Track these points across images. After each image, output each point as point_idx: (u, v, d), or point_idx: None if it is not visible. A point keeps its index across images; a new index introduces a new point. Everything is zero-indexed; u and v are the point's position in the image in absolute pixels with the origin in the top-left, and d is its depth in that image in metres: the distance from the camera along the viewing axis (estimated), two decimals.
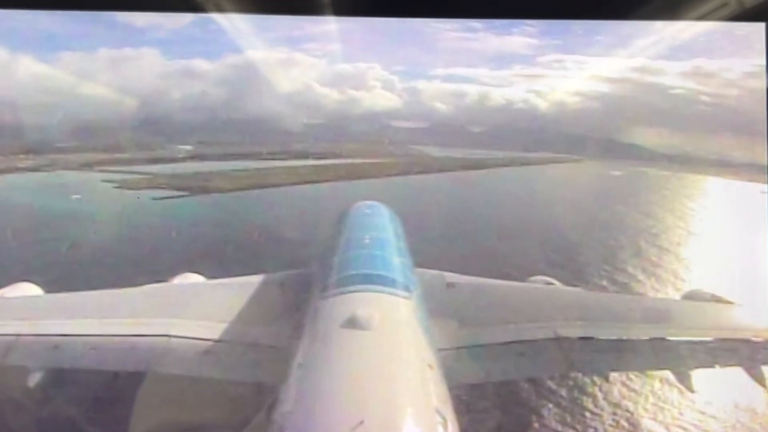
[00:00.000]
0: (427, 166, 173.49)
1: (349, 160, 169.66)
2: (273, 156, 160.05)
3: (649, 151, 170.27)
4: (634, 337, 16.75)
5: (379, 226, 22.96)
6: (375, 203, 26.84)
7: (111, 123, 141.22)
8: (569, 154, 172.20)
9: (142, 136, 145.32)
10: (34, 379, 15.40)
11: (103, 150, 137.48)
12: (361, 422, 9.18)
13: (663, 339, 16.64)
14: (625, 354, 16.57)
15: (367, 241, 20.50)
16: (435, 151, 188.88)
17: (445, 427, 10.04)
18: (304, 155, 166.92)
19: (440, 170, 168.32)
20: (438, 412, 10.27)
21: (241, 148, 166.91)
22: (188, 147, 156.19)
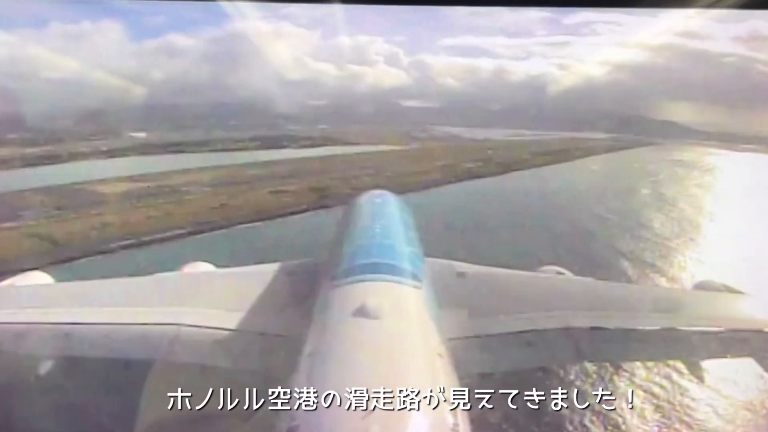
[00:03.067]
0: (478, 158, 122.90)
1: (356, 148, 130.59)
2: (245, 145, 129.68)
3: (684, 128, 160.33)
4: (644, 327, 16.63)
5: (389, 214, 22.93)
6: (384, 192, 26.80)
7: (74, 110, 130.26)
8: (611, 133, 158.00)
9: (96, 124, 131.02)
10: (45, 367, 15.59)
11: (34, 143, 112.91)
12: (371, 412, 9.19)
13: (674, 329, 16.53)
14: (635, 344, 16.47)
15: (376, 230, 20.50)
16: (464, 133, 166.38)
17: (455, 417, 10.04)
18: (292, 140, 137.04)
19: (506, 166, 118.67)
20: (448, 401, 10.26)
21: (220, 132, 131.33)
22: (142, 134, 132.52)
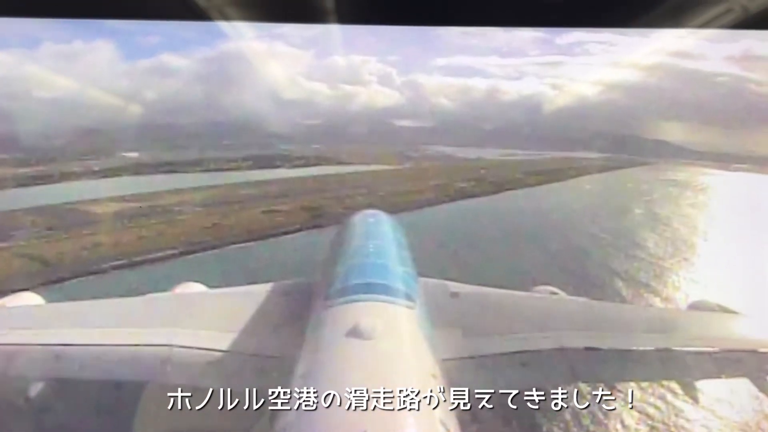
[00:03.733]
0: (471, 177, 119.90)
1: (349, 168, 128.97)
2: (238, 165, 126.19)
3: (677, 148, 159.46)
4: (639, 348, 16.61)
5: (382, 234, 22.89)
6: (377, 212, 26.78)
7: (66, 130, 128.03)
8: (604, 152, 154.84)
9: (89, 143, 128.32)
10: (35, 390, 15.39)
11: (26, 163, 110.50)
12: None
13: (669, 349, 16.50)
14: (630, 364, 16.44)
15: (370, 249, 20.45)
16: (457, 152, 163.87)
17: None
18: (285, 160, 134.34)
19: (499, 186, 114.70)
20: (441, 422, 10.18)
21: (213, 152, 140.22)
22: (134, 154, 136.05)
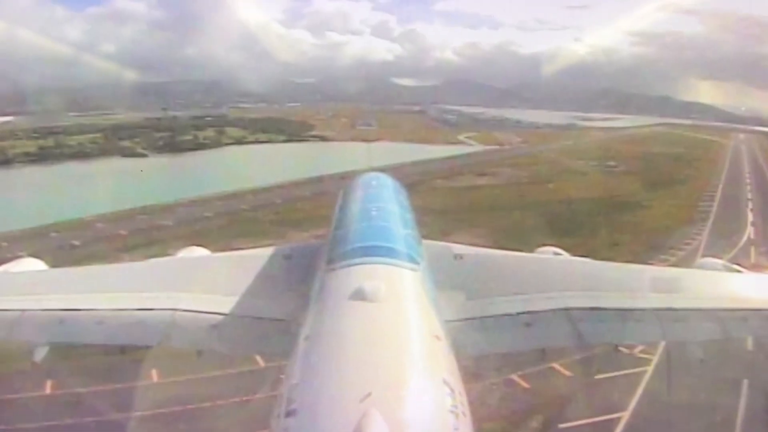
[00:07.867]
0: None
1: (327, 150, 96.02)
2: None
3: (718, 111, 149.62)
4: (644, 307, 16.55)
5: (385, 197, 22.83)
6: (380, 174, 26.71)
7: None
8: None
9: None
10: (39, 354, 15.51)
11: None
12: (369, 394, 9.08)
13: (674, 309, 16.43)
14: (635, 324, 16.40)
15: (373, 212, 20.37)
16: (509, 115, 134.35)
17: (454, 399, 9.94)
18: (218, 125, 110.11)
19: None
20: (446, 383, 10.17)
21: (136, 114, 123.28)
22: (8, 118, 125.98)
